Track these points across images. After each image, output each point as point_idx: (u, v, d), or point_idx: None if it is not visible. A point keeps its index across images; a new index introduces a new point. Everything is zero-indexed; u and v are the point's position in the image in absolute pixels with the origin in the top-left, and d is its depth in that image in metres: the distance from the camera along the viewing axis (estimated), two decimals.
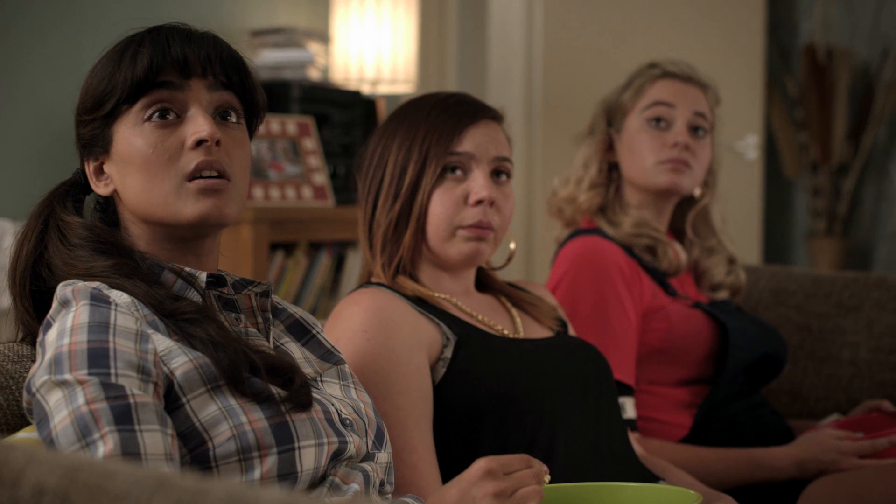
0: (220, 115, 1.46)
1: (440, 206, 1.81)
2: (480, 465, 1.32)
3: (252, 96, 1.50)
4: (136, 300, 1.36)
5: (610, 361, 1.98)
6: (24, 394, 1.32)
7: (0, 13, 3.16)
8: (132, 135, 1.42)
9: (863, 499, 1.96)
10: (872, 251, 5.53)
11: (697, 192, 2.40)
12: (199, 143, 1.41)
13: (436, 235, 1.82)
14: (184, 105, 1.43)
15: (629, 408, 2.13)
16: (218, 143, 1.42)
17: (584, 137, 2.44)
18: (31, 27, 3.23)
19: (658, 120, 2.32)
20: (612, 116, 2.39)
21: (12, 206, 3.11)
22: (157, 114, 1.42)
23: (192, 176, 1.41)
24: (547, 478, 1.36)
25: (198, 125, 1.41)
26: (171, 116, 1.42)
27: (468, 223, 1.81)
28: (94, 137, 1.46)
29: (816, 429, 2.20)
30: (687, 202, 2.42)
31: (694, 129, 2.33)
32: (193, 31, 1.46)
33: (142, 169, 1.42)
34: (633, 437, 2.07)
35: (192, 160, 1.41)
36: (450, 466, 1.66)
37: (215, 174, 1.42)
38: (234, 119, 1.47)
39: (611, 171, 2.39)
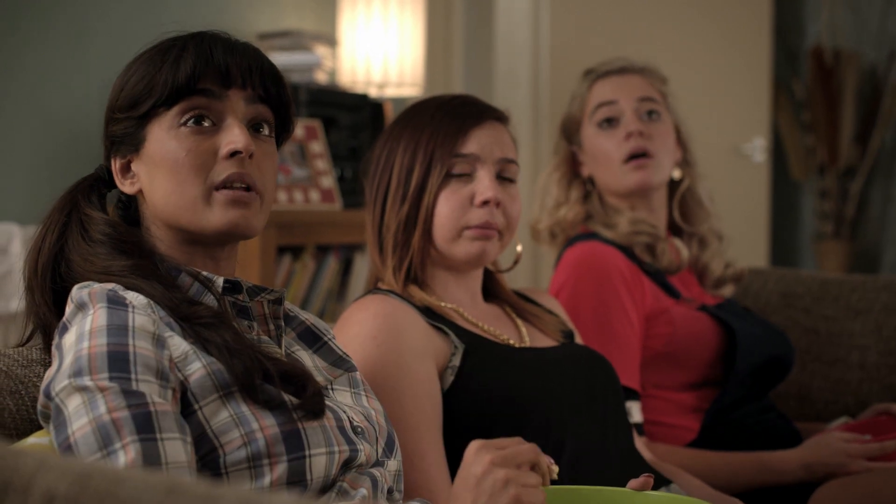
0: (252, 128, 1.46)
1: (446, 207, 1.82)
2: (473, 445, 1.31)
3: (286, 110, 1.50)
4: (151, 302, 1.36)
5: (614, 367, 1.98)
6: (41, 397, 1.32)
7: (6, 18, 3.17)
8: (167, 137, 1.42)
9: (872, 501, 1.96)
10: (880, 254, 5.52)
11: (677, 174, 2.39)
12: (233, 154, 1.41)
13: (442, 237, 1.82)
14: (221, 114, 1.43)
15: (635, 412, 2.13)
16: (251, 155, 1.42)
17: (552, 160, 2.44)
18: (39, 32, 3.23)
19: (608, 121, 2.32)
20: (569, 134, 2.39)
21: (20, 210, 3.11)
22: (193, 120, 1.42)
23: (221, 186, 1.42)
24: (555, 468, 1.34)
25: (234, 135, 1.42)
26: (206, 123, 1.43)
27: (474, 224, 1.82)
28: (125, 135, 1.46)
29: (825, 432, 2.19)
30: (676, 188, 2.41)
31: (647, 114, 2.32)
32: (235, 41, 1.46)
33: (172, 172, 1.42)
34: (641, 442, 2.07)
35: (223, 171, 1.42)
36: None
37: (245, 186, 1.43)
38: (266, 132, 1.48)
39: (585, 185, 2.38)
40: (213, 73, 1.42)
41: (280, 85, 1.48)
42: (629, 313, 2.18)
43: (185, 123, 1.42)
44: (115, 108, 1.46)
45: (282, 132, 1.53)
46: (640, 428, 2.12)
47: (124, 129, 1.46)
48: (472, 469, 1.29)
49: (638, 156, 2.28)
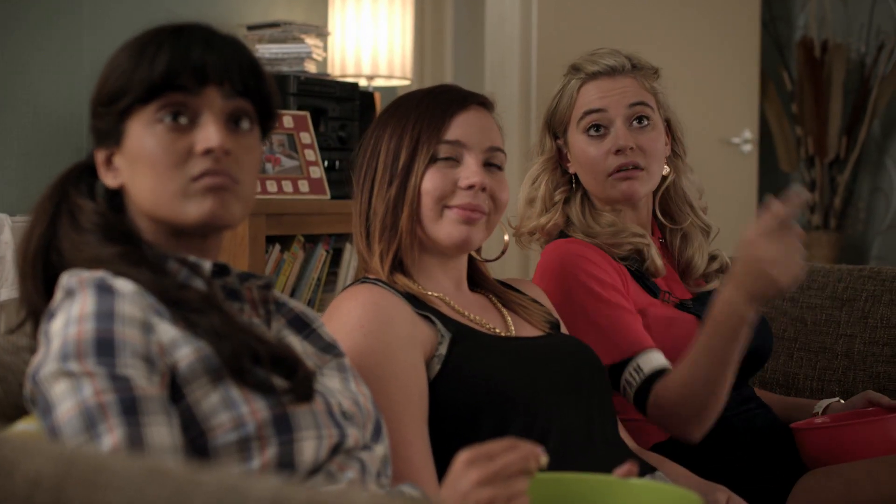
0: (232, 121, 1.46)
1: (430, 183, 1.83)
2: (461, 457, 1.30)
3: (267, 103, 1.50)
4: (140, 288, 1.36)
5: (624, 341, 1.97)
6: (27, 383, 1.33)
7: (1, 10, 3.17)
8: (144, 134, 1.43)
9: (854, 493, 1.97)
10: (867, 245, 5.54)
11: (665, 170, 2.32)
12: (207, 152, 1.42)
13: (427, 216, 1.83)
14: (197, 110, 1.43)
15: (659, 359, 2.05)
16: (227, 152, 1.43)
17: (534, 155, 2.37)
18: (32, 23, 3.23)
19: (596, 127, 2.25)
20: (555, 129, 2.33)
21: (10, 200, 3.11)
22: (169, 116, 1.42)
23: (197, 178, 1.42)
24: (543, 459, 1.33)
25: (208, 133, 1.42)
26: (183, 120, 1.42)
27: (456, 203, 1.82)
28: (107, 130, 1.47)
29: (829, 410, 2.17)
30: (660, 182, 2.34)
31: (637, 120, 2.25)
32: (215, 35, 1.46)
33: (150, 169, 1.42)
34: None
35: (198, 166, 1.42)
36: (446, 463, 1.66)
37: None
38: (246, 126, 1.47)
39: (571, 183, 2.32)
40: (188, 69, 1.42)
41: (260, 79, 1.48)
42: (614, 285, 2.14)
43: (161, 120, 1.42)
44: (98, 103, 1.47)
45: (266, 123, 1.53)
46: (666, 370, 2.04)
47: (105, 124, 1.46)
48: (459, 485, 1.28)
49: (626, 169, 2.23)
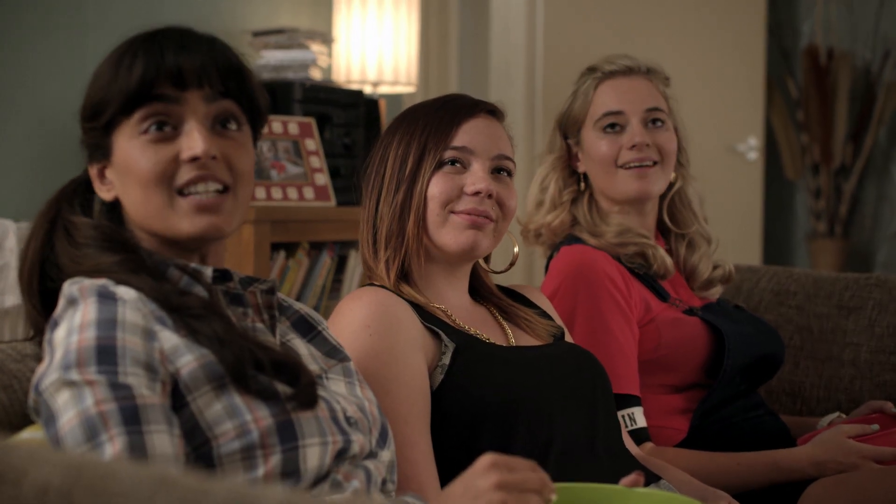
0: (219, 124, 1.44)
1: (437, 188, 1.83)
2: (486, 458, 1.31)
3: (252, 101, 1.48)
4: (142, 295, 1.36)
5: (615, 373, 1.98)
6: (31, 393, 1.32)
7: (3, 13, 3.17)
8: (130, 147, 1.42)
9: (863, 501, 1.96)
10: (873, 252, 5.53)
11: (672, 175, 2.36)
12: (193, 159, 1.41)
13: (432, 221, 1.83)
14: (180, 117, 1.42)
15: (639, 417, 2.11)
16: (214, 157, 1.42)
17: (544, 156, 2.41)
18: (34, 28, 3.23)
19: (612, 126, 2.29)
20: (567, 130, 2.36)
21: (14, 206, 3.11)
22: (153, 126, 1.41)
23: (183, 189, 1.41)
24: (554, 496, 1.34)
25: (192, 140, 1.40)
26: (167, 129, 1.41)
27: (461, 209, 1.82)
28: (94, 145, 1.46)
29: (832, 426, 2.18)
30: (667, 189, 2.37)
31: (652, 122, 2.30)
32: (190, 37, 1.44)
33: (139, 181, 1.42)
34: (647, 448, 2.07)
35: (185, 174, 1.41)
36: (448, 473, 1.65)
37: (212, 189, 1.42)
38: (234, 126, 1.46)
39: (579, 183, 2.36)
40: (165, 76, 1.40)
41: (241, 77, 1.46)
42: (626, 318, 2.16)
43: (146, 131, 1.41)
44: (83, 118, 1.46)
45: (255, 121, 1.51)
46: (645, 433, 2.11)
47: (93, 139, 1.46)
48: (477, 482, 1.29)
49: (642, 165, 2.27)
